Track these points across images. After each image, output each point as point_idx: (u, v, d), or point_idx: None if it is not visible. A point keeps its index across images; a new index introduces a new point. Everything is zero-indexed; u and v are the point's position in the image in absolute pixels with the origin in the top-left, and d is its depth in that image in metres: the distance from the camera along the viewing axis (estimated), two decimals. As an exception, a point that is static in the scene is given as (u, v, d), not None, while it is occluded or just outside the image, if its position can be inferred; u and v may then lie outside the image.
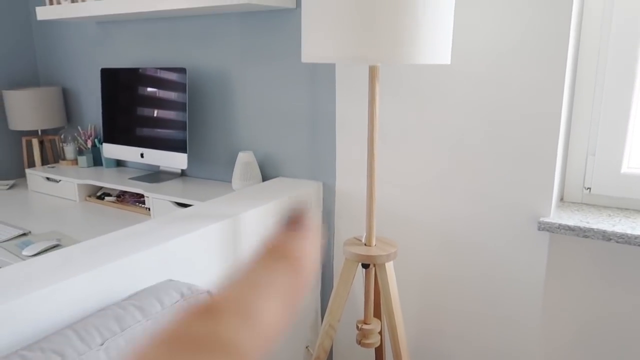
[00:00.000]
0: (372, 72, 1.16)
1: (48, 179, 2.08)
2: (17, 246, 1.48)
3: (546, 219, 1.28)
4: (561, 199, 1.42)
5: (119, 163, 2.21)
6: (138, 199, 1.91)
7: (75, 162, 2.22)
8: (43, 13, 1.88)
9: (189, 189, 1.78)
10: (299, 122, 1.66)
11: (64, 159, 2.23)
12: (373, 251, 1.23)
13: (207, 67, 1.82)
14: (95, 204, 1.95)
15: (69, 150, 2.22)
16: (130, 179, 1.95)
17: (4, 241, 1.52)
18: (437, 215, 1.46)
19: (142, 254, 1.02)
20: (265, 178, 1.78)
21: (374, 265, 1.28)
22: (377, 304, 1.38)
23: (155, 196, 1.74)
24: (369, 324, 1.33)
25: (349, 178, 1.59)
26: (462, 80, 1.35)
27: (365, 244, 1.27)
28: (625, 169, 1.33)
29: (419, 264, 1.53)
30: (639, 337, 1.32)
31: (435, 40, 1.03)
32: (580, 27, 1.30)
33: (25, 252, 1.42)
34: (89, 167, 2.18)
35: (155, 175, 1.99)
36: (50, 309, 0.85)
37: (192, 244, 1.15)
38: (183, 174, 2.00)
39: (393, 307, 1.23)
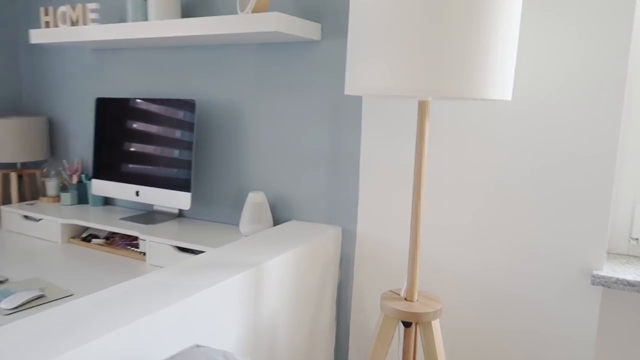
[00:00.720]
0: (423, 107, 1.05)
1: (26, 217, 1.87)
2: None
3: (600, 273, 1.17)
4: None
5: (107, 201, 2.02)
6: (130, 242, 1.72)
7: (57, 199, 2.02)
8: (38, 36, 1.73)
9: (191, 232, 1.61)
10: (316, 161, 1.53)
11: (45, 195, 2.03)
12: (416, 307, 1.08)
13: (217, 100, 1.69)
14: (80, 247, 1.75)
15: (51, 185, 2.02)
16: (121, 219, 1.77)
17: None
18: (476, 265, 1.34)
19: (161, 312, 0.85)
20: (276, 221, 1.63)
21: (416, 324, 1.14)
22: (413, 367, 1.22)
23: (152, 239, 1.56)
24: (407, 390, 1.17)
25: (372, 223, 1.46)
26: (510, 120, 1.26)
27: (405, 299, 1.12)
28: (676, 219, 1.24)
29: (455, 320, 1.38)
30: (701, 405, 1.20)
31: (502, 74, 0.93)
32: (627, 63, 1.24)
33: (3, 305, 1.21)
34: (72, 204, 1.98)
35: (149, 215, 1.81)
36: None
37: (214, 299, 0.98)
38: (180, 214, 1.83)
39: (440, 373, 1.08)
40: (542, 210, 1.24)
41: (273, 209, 1.63)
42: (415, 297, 1.12)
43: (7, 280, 1.40)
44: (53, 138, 2.14)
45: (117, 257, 1.65)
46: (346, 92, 1.01)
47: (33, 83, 2.16)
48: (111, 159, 1.83)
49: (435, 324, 1.09)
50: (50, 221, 1.79)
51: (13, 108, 2.18)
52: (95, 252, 1.70)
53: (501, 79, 0.93)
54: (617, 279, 1.14)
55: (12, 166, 2.14)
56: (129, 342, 0.78)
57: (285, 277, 1.23)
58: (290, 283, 1.26)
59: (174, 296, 0.91)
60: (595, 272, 1.17)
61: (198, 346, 0.82)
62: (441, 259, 1.37)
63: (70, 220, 1.77)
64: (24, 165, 2.16)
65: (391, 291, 1.17)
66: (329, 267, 1.46)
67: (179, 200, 1.65)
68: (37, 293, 1.28)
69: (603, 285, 1.16)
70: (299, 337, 1.34)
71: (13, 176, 2.05)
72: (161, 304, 0.87)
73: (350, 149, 1.47)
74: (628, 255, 1.30)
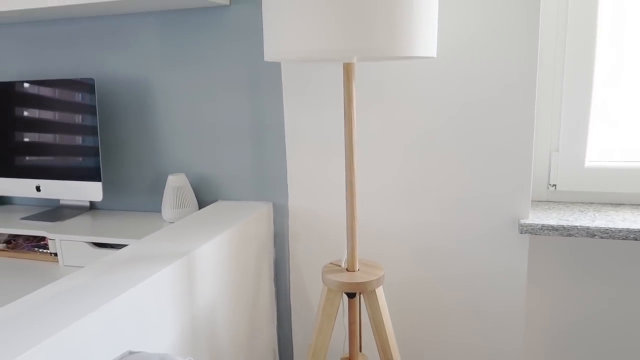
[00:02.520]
0: (348, 70, 1.00)
1: None
2: None
3: (527, 221, 1.21)
4: (527, 198, 1.38)
5: (3, 201, 1.79)
6: (37, 243, 1.53)
7: (-60, 204, 1.75)
8: None
9: (107, 225, 1.46)
10: (239, 136, 1.44)
11: None
12: (359, 277, 1.06)
13: (119, 77, 1.53)
14: (-23, 255, 1.53)
15: None
16: (22, 218, 1.57)
17: None
18: (410, 224, 1.34)
19: (83, 321, 0.74)
20: (201, 204, 1.53)
21: (360, 294, 1.12)
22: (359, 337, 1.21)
23: (63, 237, 1.40)
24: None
25: (304, 195, 1.41)
26: (428, 78, 1.25)
27: (347, 270, 1.10)
28: (588, 163, 1.32)
29: (393, 281, 1.39)
30: (623, 331, 1.31)
31: (426, 30, 0.90)
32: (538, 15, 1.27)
33: None
34: (-40, 208, 1.73)
35: (56, 211, 1.62)
36: None
37: (143, 297, 0.89)
38: (92, 207, 1.66)
39: (388, 338, 1.07)
40: (469, 165, 1.26)
41: (197, 191, 1.52)
42: (357, 267, 1.09)
43: None
44: None
45: (23, 262, 1.47)
46: (265, 59, 0.93)
47: None
48: (1, 153, 1.61)
49: (379, 292, 1.08)
50: None
51: None
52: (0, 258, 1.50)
53: (425, 35, 0.90)
54: (543, 225, 1.19)
55: None
56: (49, 361, 0.68)
57: (219, 262, 1.15)
58: (225, 268, 1.18)
59: (97, 300, 0.80)
60: (522, 221, 1.22)
61: (131, 353, 0.73)
62: (377, 223, 1.36)
63: (-41, 227, 1.54)
64: None
65: (332, 263, 1.14)
66: (264, 246, 1.40)
67: (89, 191, 1.49)
68: None
69: (530, 232, 1.20)
70: (240, 323, 1.28)
71: None
72: (82, 311, 0.76)
73: (273, 120, 1.40)
74: (548, 201, 1.37)
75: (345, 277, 1.06)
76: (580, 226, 1.17)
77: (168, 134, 1.51)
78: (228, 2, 1.36)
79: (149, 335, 0.90)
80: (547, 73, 1.29)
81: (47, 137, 1.54)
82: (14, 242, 1.57)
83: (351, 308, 1.13)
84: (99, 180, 1.47)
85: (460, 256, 1.31)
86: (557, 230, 1.18)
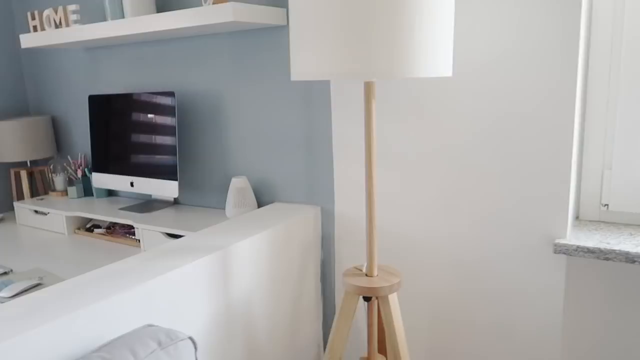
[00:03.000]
0: (368, 88, 1.07)
1: (36, 211, 2.00)
2: (-4, 286, 1.39)
3: (562, 241, 1.17)
4: (577, 217, 1.32)
5: (111, 193, 2.13)
6: (128, 230, 1.82)
7: (65, 193, 2.14)
8: (27, 41, 1.82)
9: (182, 219, 1.69)
10: (294, 144, 1.57)
11: (54, 190, 2.15)
12: (375, 282, 1.13)
13: (198, 90, 1.75)
14: (84, 237, 1.86)
15: (59, 180, 2.14)
16: (120, 209, 1.87)
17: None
18: (445, 237, 1.36)
19: (117, 297, 0.92)
20: (260, 204, 1.69)
21: (377, 298, 1.18)
22: (381, 339, 1.27)
23: (145, 227, 1.65)
24: (373, 361, 1.22)
25: (349, 201, 1.50)
26: (465, 93, 1.26)
27: (366, 275, 1.16)
28: (645, 183, 1.23)
29: (426, 292, 1.42)
30: (672, 367, 1.20)
31: (434, 52, 0.94)
32: (590, 34, 1.22)
33: (2, 294, 1.32)
34: (79, 197, 2.09)
35: (146, 204, 1.90)
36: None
37: (176, 282, 1.05)
38: (176, 202, 1.91)
39: (398, 343, 1.12)
40: (506, 181, 1.25)
41: (257, 193, 1.69)
42: (375, 272, 1.16)
43: (11, 271, 1.52)
44: (58, 135, 2.26)
45: (117, 246, 1.75)
46: (292, 79, 1.04)
47: (35, 84, 2.27)
48: (106, 153, 1.93)
49: (393, 298, 1.13)
50: (57, 214, 1.91)
51: (19, 109, 2.30)
52: (98, 241, 1.81)
53: (434, 56, 0.94)
54: (578, 247, 1.15)
55: (22, 164, 2.27)
56: (83, 326, 0.86)
57: (258, 258, 1.29)
58: (265, 264, 1.32)
59: (133, 280, 0.98)
60: (557, 241, 1.18)
61: (150, 325, 0.89)
62: (413, 233, 1.40)
63: (74, 213, 1.88)
64: (34, 162, 2.29)
65: (355, 267, 1.21)
66: (310, 246, 1.51)
67: (168, 188, 1.73)
68: (35, 282, 1.39)
69: (564, 253, 1.16)
70: (281, 316, 1.40)
71: (24, 174, 2.18)
72: (117, 289, 0.94)
73: (323, 131, 1.50)
74: (599, 221, 1.30)
75: (362, 282, 1.13)
76: (619, 250, 1.10)
77: (235, 141, 1.69)
78: (285, 22, 1.49)
79: (181, 316, 1.07)
80: (601, 86, 1.23)
81: (139, 141, 1.81)
82: (112, 228, 1.87)
83: (369, 311, 1.20)
84: (176, 180, 1.70)
85: (494, 272, 1.30)
86: (593, 252, 1.13)
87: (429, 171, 1.35)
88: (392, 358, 1.13)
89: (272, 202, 1.66)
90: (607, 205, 1.27)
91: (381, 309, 1.13)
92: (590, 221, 1.30)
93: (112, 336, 0.90)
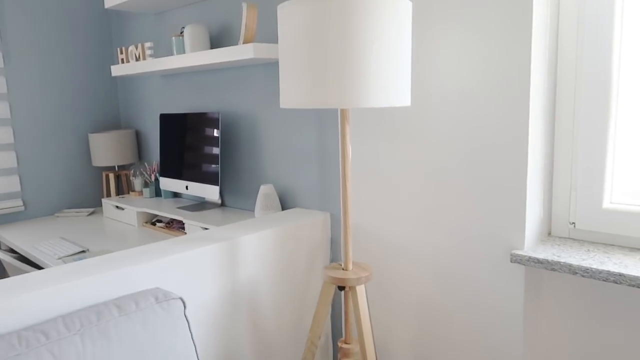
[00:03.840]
0: (343, 114, 1.31)
1: (117, 207, 2.45)
2: (73, 260, 1.80)
3: (518, 252, 1.31)
4: (549, 233, 1.43)
5: (176, 194, 2.54)
6: (182, 225, 2.19)
7: (141, 193, 2.59)
8: (116, 70, 2.29)
9: (221, 218, 2.02)
10: (309, 158, 1.84)
11: (133, 190, 2.61)
12: (347, 274, 1.35)
13: (238, 111, 2.08)
14: (149, 229, 2.27)
15: (137, 183, 2.59)
16: (177, 207, 2.25)
17: (64, 256, 1.86)
18: (427, 246, 1.54)
19: (139, 267, 1.24)
20: (284, 208, 1.97)
21: (349, 288, 1.40)
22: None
23: (191, 223, 2.00)
24: (349, 343, 1.43)
25: (354, 211, 1.73)
26: (442, 121, 1.45)
27: (342, 269, 1.39)
28: (607, 204, 1.32)
29: (412, 292, 1.60)
30: (625, 378, 1.27)
31: (391, 83, 1.16)
32: (556, 66, 1.35)
33: (76, 265, 1.72)
34: (151, 197, 2.52)
35: (199, 205, 2.26)
36: (58, 303, 1.09)
37: (188, 261, 1.36)
38: (222, 204, 2.26)
39: (363, 328, 1.33)
40: (471, 195, 1.41)
41: (282, 198, 1.97)
42: (350, 267, 1.38)
43: (87, 250, 1.94)
44: (139, 145, 2.73)
45: (171, 237, 2.13)
46: (281, 106, 1.31)
47: (125, 104, 2.77)
48: (170, 160, 2.33)
49: (361, 289, 1.34)
50: (131, 210, 2.35)
51: (113, 124, 2.82)
52: (158, 233, 2.20)
53: (389, 88, 1.16)
54: (530, 257, 1.28)
55: (111, 169, 2.77)
56: (111, 283, 1.19)
57: (266, 249, 1.57)
58: (272, 255, 1.59)
59: (153, 257, 1.30)
60: (513, 252, 1.32)
61: (156, 288, 1.20)
62: (401, 240, 1.59)
63: (142, 209, 2.30)
64: (120, 167, 2.78)
65: (337, 263, 1.44)
66: (319, 246, 1.76)
67: (212, 192, 2.08)
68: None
69: (519, 262, 1.30)
70: (286, 302, 1.66)
71: (111, 176, 2.67)
72: (140, 260, 1.27)
73: (331, 147, 1.75)
74: (568, 238, 1.40)
75: (338, 274, 1.36)
76: (563, 262, 1.22)
77: (266, 153, 2.00)
78: (305, 56, 1.77)
79: (191, 288, 1.37)
80: (567, 112, 1.35)
81: (191, 152, 2.18)
82: (171, 223, 2.26)
83: (345, 299, 1.42)
84: (217, 185, 2.04)
85: (467, 278, 1.46)
86: (541, 263, 1.26)
87: (413, 186, 1.54)
88: (359, 340, 1.34)
89: (293, 207, 1.94)
90: (574, 223, 1.38)
91: (350, 297, 1.35)
92: (560, 237, 1.41)
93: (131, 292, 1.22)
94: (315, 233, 1.75)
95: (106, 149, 2.59)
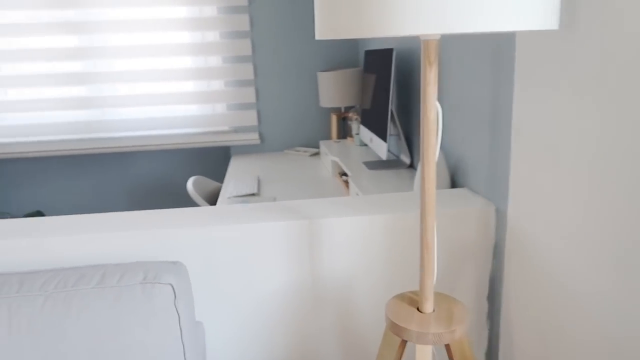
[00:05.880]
0: (428, 48, 0.74)
1: (314, 153, 2.33)
2: (238, 202, 1.78)
3: None
4: None
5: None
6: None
7: (353, 139, 2.38)
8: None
9: (384, 181, 1.63)
10: (481, 121, 1.22)
11: (351, 135, 2.43)
12: (422, 322, 0.82)
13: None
14: (337, 181, 2.06)
15: (354, 127, 2.39)
16: (363, 162, 1.95)
17: (234, 196, 1.86)
18: (608, 293, 0.80)
19: (180, 231, 1.07)
20: (455, 185, 1.41)
21: (448, 346, 0.85)
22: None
23: (353, 181, 1.69)
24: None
25: (526, 204, 1.07)
26: None
27: (417, 308, 0.86)
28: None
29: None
30: None
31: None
32: None
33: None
34: (360, 145, 2.29)
35: (384, 162, 1.90)
36: (68, 254, 1.04)
37: (256, 233, 1.10)
38: (411, 166, 1.83)
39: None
40: None
41: (454, 172, 1.41)
42: (429, 307, 0.84)
43: (257, 194, 1.90)
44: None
45: (344, 191, 1.87)
46: (317, 37, 0.84)
47: (365, 40, 2.54)
48: (366, 106, 2.01)
49: (425, 351, 0.80)
50: (326, 158, 2.19)
51: (344, 62, 2.65)
52: (340, 185, 1.98)
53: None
54: None
55: (337, 110, 2.64)
56: (129, 247, 1.06)
57: (361, 239, 1.14)
58: (371, 248, 1.15)
59: (202, 222, 1.10)
60: None
61: (173, 263, 1.00)
62: (564, 270, 0.88)
63: (334, 158, 2.10)
64: (347, 109, 2.62)
65: (411, 292, 0.91)
66: (473, 253, 1.18)
67: (381, 149, 1.68)
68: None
69: None
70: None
71: (334, 118, 2.55)
72: (182, 224, 1.09)
73: (503, 107, 1.09)
74: None
75: (405, 318, 0.85)
76: None
77: (447, 110, 1.45)
78: None
79: (258, 270, 1.12)
80: None
81: (375, 97, 1.80)
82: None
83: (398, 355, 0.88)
84: (385, 141, 1.63)
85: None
86: None
87: (610, 186, 0.80)
88: None
89: (462, 186, 1.36)
90: None
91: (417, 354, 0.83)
92: None
93: (153, 258, 1.07)
94: (469, 233, 1.17)
95: (332, 89, 2.46)
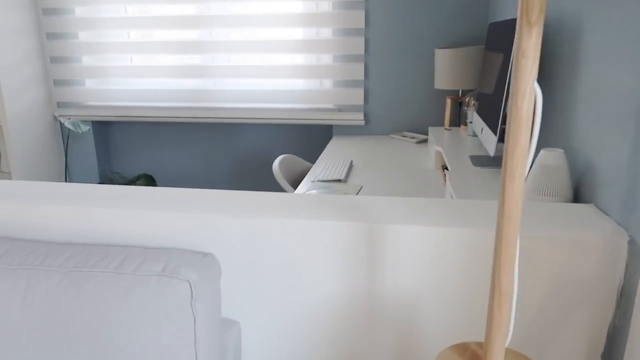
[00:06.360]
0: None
1: (417, 142, 2.06)
2: (321, 187, 1.63)
3: None
4: None
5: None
6: (463, 180, 1.61)
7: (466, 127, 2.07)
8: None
9: (487, 183, 1.34)
10: (624, 116, 0.89)
11: (465, 123, 2.12)
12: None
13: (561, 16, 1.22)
14: (439, 175, 1.80)
15: (470, 114, 2.08)
16: (470, 155, 1.66)
17: (319, 180, 1.71)
18: None
19: (227, 221, 0.94)
20: (577, 199, 1.09)
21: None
22: None
23: (450, 179, 1.43)
24: None
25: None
26: None
27: (485, 368, 0.62)
28: None
29: None
30: None
31: None
32: None
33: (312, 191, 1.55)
34: (473, 136, 1.98)
35: (493, 159, 1.59)
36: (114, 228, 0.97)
37: (309, 231, 0.94)
38: (529, 165, 1.49)
39: None
40: None
41: (580, 182, 1.09)
42: (494, 374, 0.60)
43: (343, 180, 1.72)
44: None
45: (442, 188, 1.61)
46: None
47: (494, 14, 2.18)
48: (482, 91, 1.70)
49: None
50: (431, 148, 1.92)
51: (467, 40, 2.30)
52: (439, 179, 1.71)
53: None
54: None
55: (454, 93, 2.32)
56: (166, 225, 0.96)
57: (430, 254, 0.91)
58: (438, 266, 0.91)
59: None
60: None
61: (204, 254, 0.88)
62: None
63: (438, 149, 1.83)
64: (465, 92, 2.29)
65: (477, 344, 0.67)
66: (586, 293, 0.88)
67: (490, 142, 1.38)
68: (340, 194, 1.54)
69: None
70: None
71: (448, 102, 2.24)
72: (235, 213, 0.96)
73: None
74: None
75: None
76: None
77: (582, 95, 1.12)
78: None
79: (304, 272, 0.96)
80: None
81: (491, 91, 1.49)
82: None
83: None
84: (495, 135, 1.33)
85: None
86: None
87: None
88: None
89: (588, 201, 1.04)
90: None
91: None
92: None
93: (186, 246, 0.95)
94: (587, 266, 0.87)
95: (450, 69, 2.16)
